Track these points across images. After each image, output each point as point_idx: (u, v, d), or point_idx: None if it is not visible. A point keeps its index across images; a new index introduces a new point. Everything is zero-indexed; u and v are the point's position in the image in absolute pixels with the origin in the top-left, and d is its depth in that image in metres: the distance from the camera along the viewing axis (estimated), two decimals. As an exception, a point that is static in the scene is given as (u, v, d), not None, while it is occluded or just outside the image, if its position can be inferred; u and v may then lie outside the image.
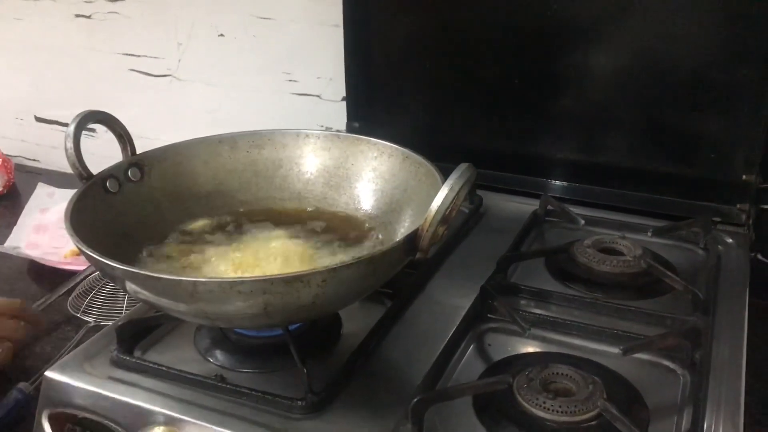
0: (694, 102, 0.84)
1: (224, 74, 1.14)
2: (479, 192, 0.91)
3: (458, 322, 0.65)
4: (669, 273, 0.71)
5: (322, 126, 1.10)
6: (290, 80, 1.10)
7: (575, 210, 0.86)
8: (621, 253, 0.76)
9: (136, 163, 0.68)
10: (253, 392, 0.56)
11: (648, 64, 0.85)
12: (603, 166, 0.90)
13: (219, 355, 0.62)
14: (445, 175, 0.58)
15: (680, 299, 0.69)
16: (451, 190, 0.52)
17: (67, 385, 0.59)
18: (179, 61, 1.17)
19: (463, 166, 0.54)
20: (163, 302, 0.53)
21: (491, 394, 0.56)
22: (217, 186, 0.74)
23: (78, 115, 0.63)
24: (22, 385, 0.72)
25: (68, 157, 0.62)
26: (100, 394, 0.58)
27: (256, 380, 0.59)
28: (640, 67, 0.86)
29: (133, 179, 0.67)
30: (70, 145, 0.62)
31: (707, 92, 0.83)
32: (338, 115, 1.06)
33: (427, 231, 0.53)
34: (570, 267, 0.75)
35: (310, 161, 0.75)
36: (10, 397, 0.71)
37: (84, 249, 0.52)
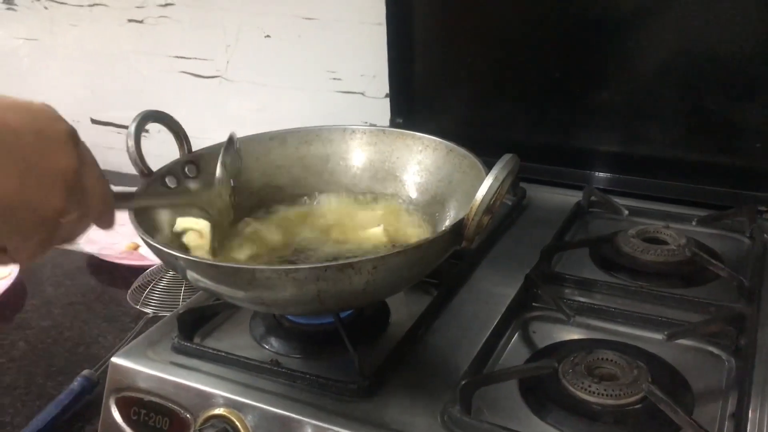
0: (738, 91, 0.84)
1: (271, 74, 1.18)
2: (522, 184, 0.92)
3: (503, 311, 0.67)
4: (714, 261, 0.71)
5: (366, 123, 1.12)
6: (334, 78, 1.13)
7: (619, 201, 0.87)
8: (665, 243, 0.76)
9: (192, 160, 0.71)
10: (307, 376, 0.59)
11: (691, 54, 0.85)
12: (646, 156, 0.91)
13: (273, 342, 0.65)
14: (488, 167, 0.60)
15: (725, 287, 0.70)
16: (495, 179, 0.54)
17: (132, 370, 0.63)
18: (228, 62, 1.20)
19: (506, 156, 0.56)
20: (222, 289, 0.56)
21: (537, 378, 0.58)
22: (268, 182, 0.77)
23: (138, 115, 0.67)
24: (86, 372, 0.77)
25: (130, 155, 0.66)
26: (163, 378, 0.61)
27: (309, 365, 0.62)
28: (683, 57, 0.86)
29: (189, 175, 0.70)
30: (131, 143, 0.65)
31: (751, 81, 0.83)
32: (382, 111, 1.08)
33: (472, 220, 0.54)
34: (614, 256, 0.75)
35: (357, 156, 0.78)
36: (76, 384, 0.75)
37: (149, 241, 0.56)
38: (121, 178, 1.22)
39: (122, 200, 0.57)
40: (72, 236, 0.49)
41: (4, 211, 0.42)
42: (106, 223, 0.52)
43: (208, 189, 0.68)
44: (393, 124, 1.04)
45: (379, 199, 0.76)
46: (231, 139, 0.69)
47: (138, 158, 0.65)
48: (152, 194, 0.66)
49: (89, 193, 0.48)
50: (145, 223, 0.60)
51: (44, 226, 0.44)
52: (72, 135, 0.46)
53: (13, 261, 0.46)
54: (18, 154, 0.42)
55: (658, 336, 0.62)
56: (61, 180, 0.44)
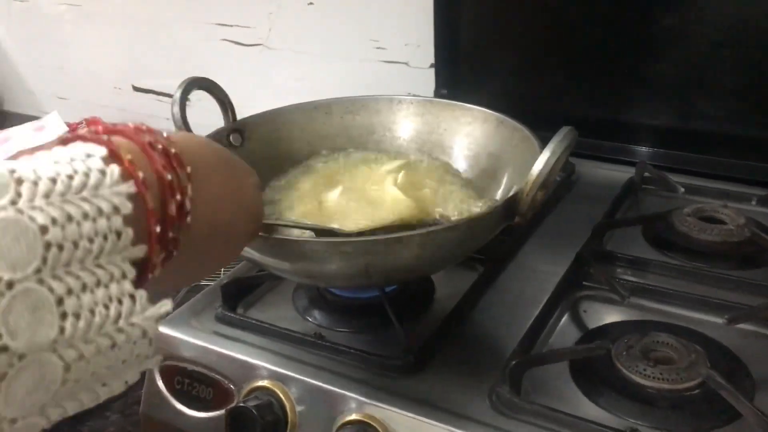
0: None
1: (313, 43, 1.16)
2: (571, 159, 0.89)
3: (552, 289, 0.65)
4: (775, 242, 0.68)
5: (409, 93, 1.10)
6: (378, 47, 1.10)
7: (674, 178, 0.84)
8: (723, 222, 0.73)
9: (237, 128, 0.70)
10: (352, 350, 0.58)
11: (751, 23, 0.81)
12: (703, 132, 0.87)
13: (317, 315, 0.64)
14: (539, 141, 0.57)
15: (787, 270, 0.67)
16: (552, 153, 0.52)
17: (176, 338, 0.63)
18: (270, 30, 1.19)
19: (564, 129, 0.53)
20: (269, 261, 0.55)
21: (589, 360, 0.56)
22: (312, 151, 0.75)
23: (183, 82, 0.66)
24: (130, 339, 0.77)
25: (175, 122, 0.65)
26: (206, 348, 0.61)
27: (352, 339, 0.61)
28: (743, 27, 0.82)
29: (234, 144, 0.70)
30: (176, 110, 0.64)
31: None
32: (426, 82, 1.05)
33: (527, 195, 0.52)
34: (668, 235, 0.73)
35: (404, 127, 0.76)
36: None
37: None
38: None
39: None
40: None
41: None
42: None
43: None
44: (437, 95, 1.01)
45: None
46: None
47: (183, 126, 0.65)
48: None
49: None
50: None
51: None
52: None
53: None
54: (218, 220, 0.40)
55: (716, 319, 0.60)
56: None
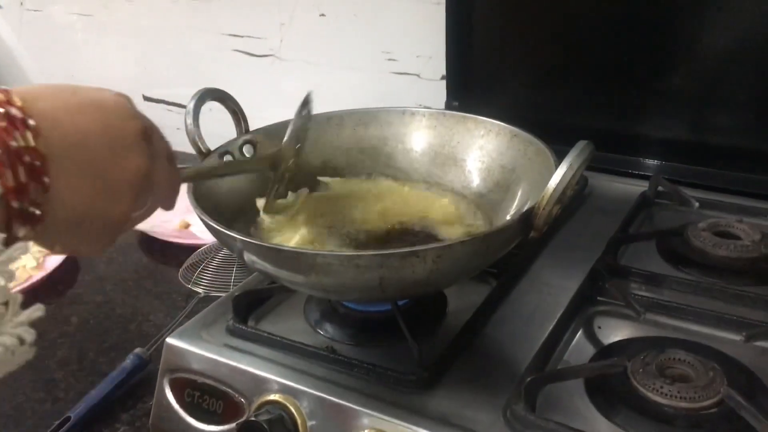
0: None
1: (325, 54, 1.16)
2: (584, 173, 0.88)
3: (566, 304, 0.64)
4: (792, 259, 0.67)
5: (420, 105, 1.09)
6: (390, 59, 1.10)
7: (688, 192, 0.83)
8: (738, 237, 0.72)
9: (249, 139, 0.70)
10: (365, 365, 0.57)
11: (765, 38, 0.80)
12: (718, 145, 0.86)
13: (328, 328, 0.64)
14: (556, 156, 0.57)
15: (805, 287, 0.66)
16: (570, 167, 0.51)
17: (187, 351, 0.62)
18: (281, 41, 1.19)
19: (582, 143, 0.53)
20: (282, 273, 0.54)
21: (605, 377, 0.55)
22: (325, 163, 0.75)
23: (197, 93, 0.66)
24: (138, 350, 0.76)
25: (188, 133, 0.65)
26: (217, 361, 0.61)
27: (364, 353, 0.60)
28: (758, 40, 0.81)
29: (246, 155, 0.69)
30: (190, 121, 0.64)
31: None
32: (437, 94, 1.05)
33: (543, 209, 0.52)
34: (683, 250, 0.72)
35: (416, 139, 0.76)
36: (129, 362, 0.75)
37: (207, 221, 0.54)
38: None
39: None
40: (135, 225, 0.48)
41: (72, 224, 0.40)
42: (169, 205, 0.50)
43: (266, 157, 0.66)
44: (449, 107, 1.01)
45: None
46: (306, 100, 0.66)
47: (197, 136, 0.64)
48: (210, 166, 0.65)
49: (159, 186, 0.47)
50: (204, 203, 0.59)
51: (112, 230, 0.43)
52: (145, 133, 0.44)
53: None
54: (88, 163, 0.40)
55: (734, 336, 0.59)
56: (130, 185, 0.43)
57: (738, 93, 0.85)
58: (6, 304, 0.31)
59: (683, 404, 0.52)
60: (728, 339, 0.60)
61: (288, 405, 0.56)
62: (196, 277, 0.88)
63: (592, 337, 0.63)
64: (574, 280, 0.67)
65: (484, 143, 0.72)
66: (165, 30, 1.31)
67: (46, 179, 0.35)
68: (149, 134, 0.45)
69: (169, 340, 0.63)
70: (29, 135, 0.35)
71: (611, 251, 0.71)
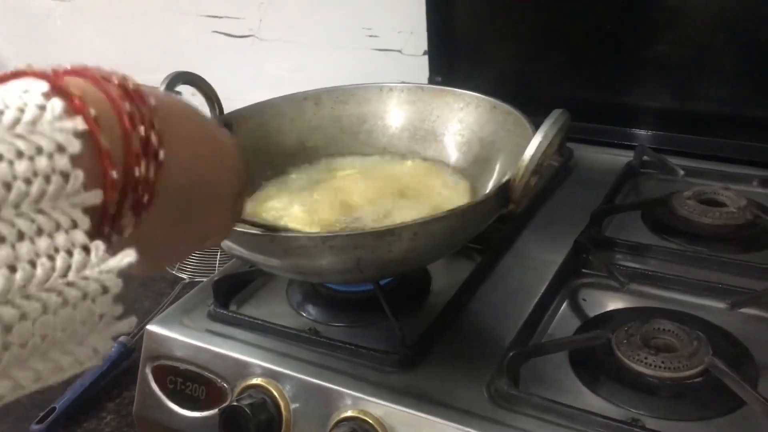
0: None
1: (305, 33, 1.14)
2: (569, 144, 0.88)
3: (551, 277, 0.63)
4: (778, 224, 0.67)
5: (402, 81, 1.08)
6: (370, 35, 1.09)
7: (673, 160, 0.82)
8: (724, 205, 0.71)
9: (224, 122, 0.68)
10: (347, 345, 0.57)
11: (750, 5, 0.79)
12: (702, 113, 0.85)
13: (311, 310, 0.63)
14: (535, 126, 0.55)
15: (790, 252, 0.65)
16: (544, 137, 0.50)
17: (168, 337, 0.61)
18: (260, 21, 1.17)
19: (556, 112, 0.52)
20: (258, 258, 0.53)
21: (589, 349, 0.55)
22: (303, 143, 0.74)
23: (167, 77, 0.64)
24: (123, 338, 0.76)
25: (161, 117, 0.63)
26: (199, 347, 0.60)
27: (348, 334, 0.60)
28: (742, 7, 0.80)
29: (221, 137, 0.68)
30: (161, 105, 0.63)
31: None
32: (420, 70, 1.04)
33: (519, 181, 0.51)
34: (669, 220, 0.71)
35: (395, 115, 0.74)
36: (113, 351, 0.74)
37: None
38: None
39: None
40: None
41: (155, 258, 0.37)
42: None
43: None
44: (432, 82, 1.00)
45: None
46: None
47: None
48: None
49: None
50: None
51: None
52: (240, 194, 0.41)
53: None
54: (182, 211, 0.36)
55: (719, 304, 0.59)
56: (213, 243, 0.44)
57: (722, 60, 0.83)
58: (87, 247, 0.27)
59: (667, 374, 0.51)
60: (713, 307, 0.59)
61: (270, 389, 0.55)
62: (181, 262, 0.87)
63: (577, 309, 0.62)
64: (559, 253, 0.67)
65: (463, 116, 0.71)
66: (144, 14, 1.29)
67: (144, 215, 0.31)
68: (242, 193, 0.42)
69: (150, 327, 0.62)
70: (152, 168, 0.31)
71: (596, 223, 0.70)
